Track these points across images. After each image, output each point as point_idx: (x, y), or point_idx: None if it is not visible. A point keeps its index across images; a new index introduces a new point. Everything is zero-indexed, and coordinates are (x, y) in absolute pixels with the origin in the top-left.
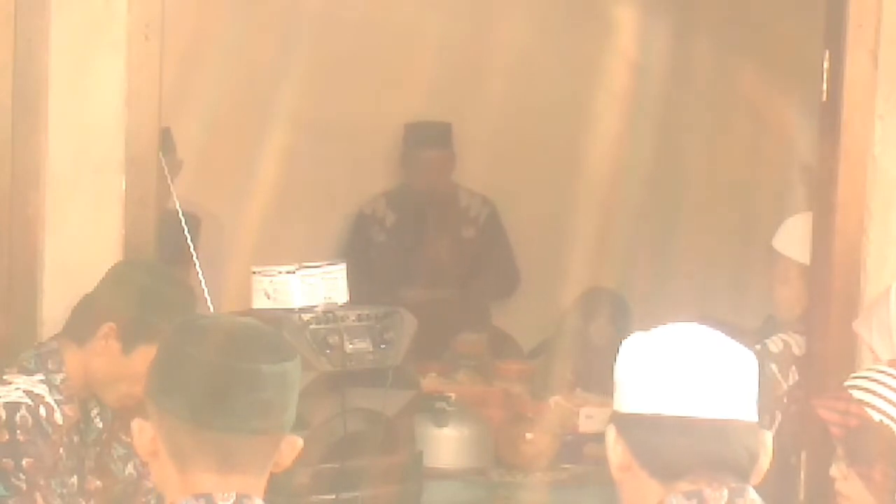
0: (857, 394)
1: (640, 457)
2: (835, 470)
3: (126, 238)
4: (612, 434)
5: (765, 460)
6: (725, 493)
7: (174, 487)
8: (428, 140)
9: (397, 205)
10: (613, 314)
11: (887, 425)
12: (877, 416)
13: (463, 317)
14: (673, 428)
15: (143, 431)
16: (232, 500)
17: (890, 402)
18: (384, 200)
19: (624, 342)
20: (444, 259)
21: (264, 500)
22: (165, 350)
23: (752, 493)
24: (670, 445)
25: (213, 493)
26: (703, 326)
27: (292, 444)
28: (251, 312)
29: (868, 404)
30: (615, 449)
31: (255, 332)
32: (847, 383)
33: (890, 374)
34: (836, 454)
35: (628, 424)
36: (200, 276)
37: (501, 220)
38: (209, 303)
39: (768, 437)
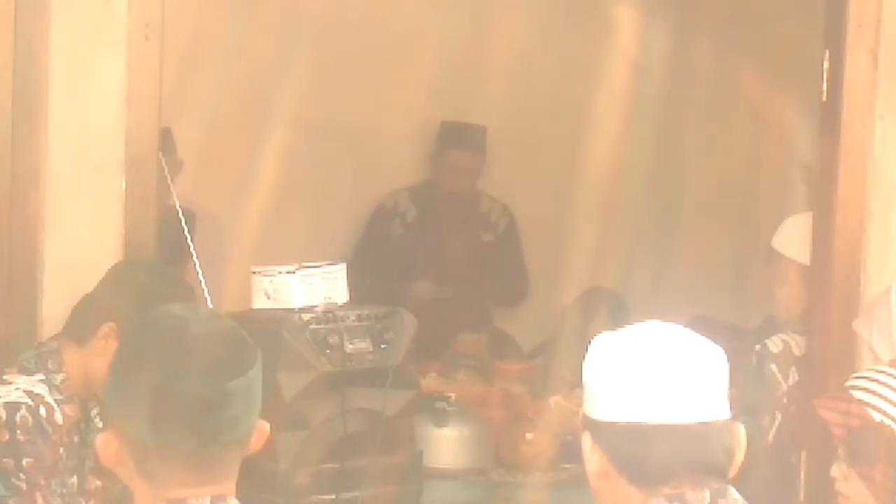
0: (857, 394)
1: (618, 465)
2: (835, 470)
3: (126, 238)
4: (587, 441)
5: (740, 454)
6: (707, 494)
7: (145, 498)
8: (464, 141)
9: (420, 201)
10: (612, 314)
11: (888, 425)
12: (877, 417)
13: (463, 317)
14: (651, 436)
15: (108, 446)
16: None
17: (890, 402)
18: (407, 195)
19: (591, 344)
20: (459, 260)
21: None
22: (124, 371)
23: (734, 493)
24: (650, 454)
25: (188, 498)
26: (669, 324)
27: (261, 432)
28: (251, 312)
29: (869, 404)
30: (592, 457)
31: (215, 339)
32: (848, 383)
33: (891, 375)
34: (836, 454)
35: (604, 432)
36: (200, 275)
37: (519, 231)
38: (209, 303)
39: (742, 430)
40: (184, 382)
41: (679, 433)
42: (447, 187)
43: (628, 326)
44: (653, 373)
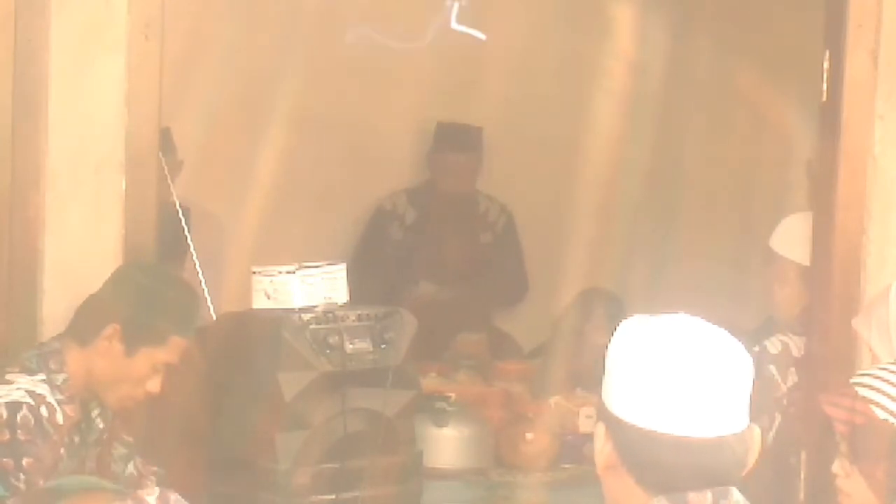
0: (862, 391)
1: (627, 464)
2: (837, 466)
3: (126, 238)
4: (601, 432)
5: (752, 460)
6: (709, 495)
7: None
8: (460, 142)
9: (419, 202)
10: (609, 314)
11: (892, 423)
12: (882, 414)
13: (463, 317)
14: (667, 446)
15: None
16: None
17: (895, 400)
18: (405, 197)
19: (620, 327)
20: (458, 261)
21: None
22: None
23: (736, 495)
24: (662, 463)
25: None
26: (701, 322)
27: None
28: (251, 312)
29: (873, 402)
30: (603, 449)
31: None
32: (853, 380)
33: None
34: (838, 451)
35: (619, 430)
36: (200, 275)
37: (517, 230)
38: (209, 303)
39: (757, 434)
40: None
41: (695, 447)
42: (445, 188)
43: (660, 318)
44: (678, 384)
